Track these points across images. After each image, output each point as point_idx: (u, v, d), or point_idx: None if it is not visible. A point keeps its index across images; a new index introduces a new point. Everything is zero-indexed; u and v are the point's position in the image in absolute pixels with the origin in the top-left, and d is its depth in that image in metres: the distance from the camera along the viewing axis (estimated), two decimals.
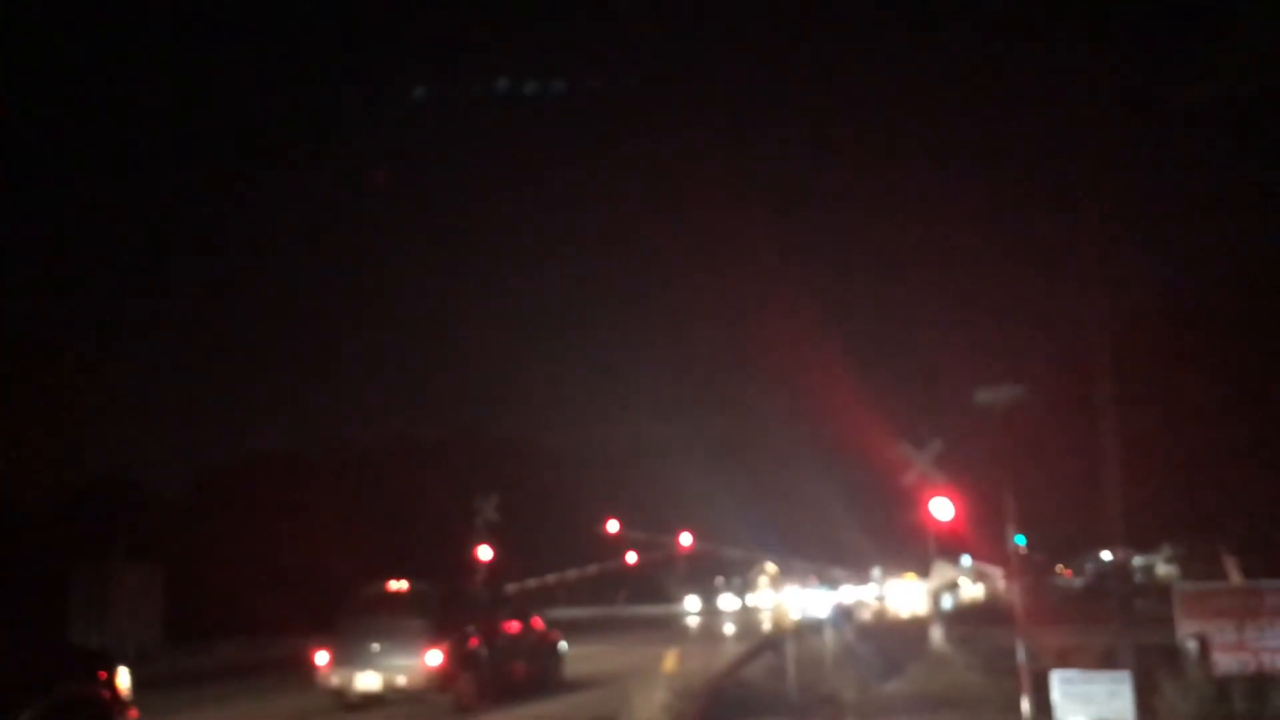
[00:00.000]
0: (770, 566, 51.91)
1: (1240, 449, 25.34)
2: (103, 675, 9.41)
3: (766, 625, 34.93)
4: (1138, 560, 52.61)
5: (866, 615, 41.46)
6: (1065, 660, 15.19)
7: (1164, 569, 55.80)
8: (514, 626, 17.68)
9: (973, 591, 47.65)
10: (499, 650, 16.70)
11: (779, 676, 17.25)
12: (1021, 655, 12.62)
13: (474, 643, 15.99)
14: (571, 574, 46.08)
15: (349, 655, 15.42)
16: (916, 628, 27.58)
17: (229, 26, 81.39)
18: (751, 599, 48.94)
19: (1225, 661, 13.24)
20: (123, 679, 9.56)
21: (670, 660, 22.16)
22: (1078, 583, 55.96)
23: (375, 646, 15.28)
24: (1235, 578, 28.66)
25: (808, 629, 22.40)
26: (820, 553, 53.54)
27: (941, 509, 21.90)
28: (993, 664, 17.51)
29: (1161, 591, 22.03)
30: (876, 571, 63.23)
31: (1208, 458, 25.61)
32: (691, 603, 46.35)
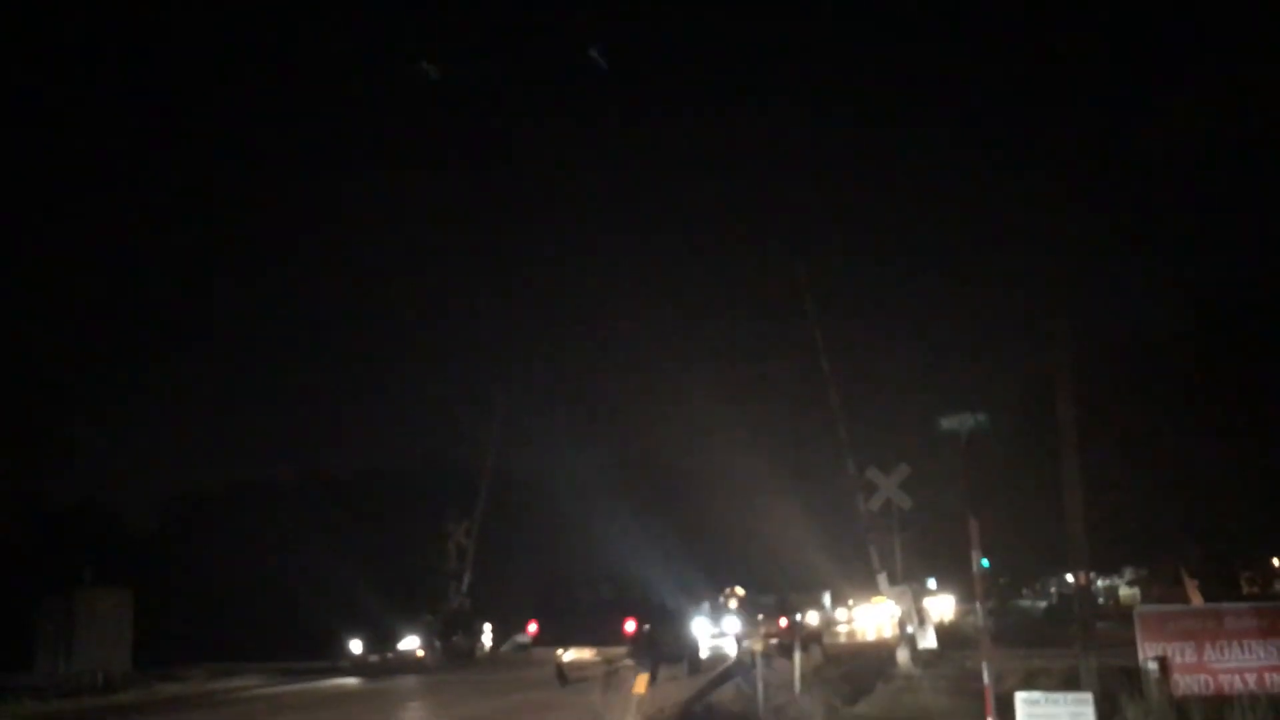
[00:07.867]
0: (739, 591, 51.94)
1: (1199, 474, 25.84)
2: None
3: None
4: (1100, 583, 53.18)
5: (830, 638, 41.63)
6: (1029, 682, 15.52)
7: (1126, 591, 56.39)
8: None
9: (940, 613, 47.93)
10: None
11: (749, 700, 17.43)
12: (987, 677, 12.86)
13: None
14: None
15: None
16: (884, 649, 27.81)
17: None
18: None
19: (1185, 682, 13.57)
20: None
21: (640, 684, 22.28)
22: (1041, 605, 56.42)
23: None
24: (1196, 600, 29.11)
25: (776, 652, 22.50)
26: (783, 578, 53.55)
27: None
28: (959, 686, 17.77)
29: (1123, 614, 22.40)
30: (827, 594, 63.20)
31: (1167, 483, 26.10)
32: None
